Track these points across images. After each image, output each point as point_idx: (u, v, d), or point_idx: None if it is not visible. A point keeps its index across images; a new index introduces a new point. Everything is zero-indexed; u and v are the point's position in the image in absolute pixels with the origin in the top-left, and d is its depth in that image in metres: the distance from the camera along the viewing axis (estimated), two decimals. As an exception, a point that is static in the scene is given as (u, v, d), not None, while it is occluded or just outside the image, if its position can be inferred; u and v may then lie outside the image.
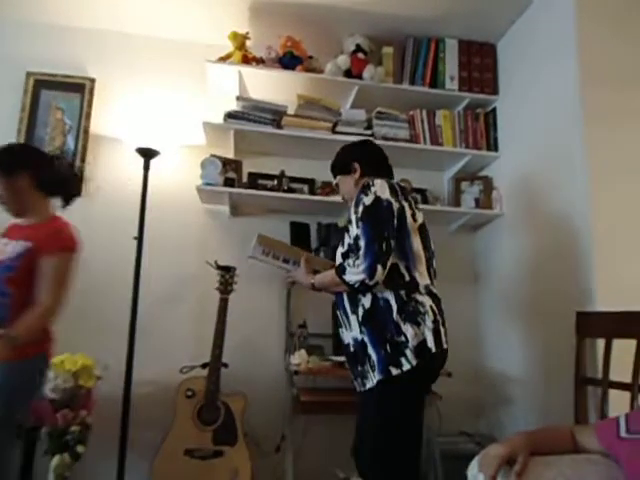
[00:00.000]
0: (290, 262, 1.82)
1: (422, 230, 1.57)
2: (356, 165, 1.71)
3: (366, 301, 1.49)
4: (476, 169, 2.73)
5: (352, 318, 1.53)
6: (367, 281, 1.42)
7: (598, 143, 1.97)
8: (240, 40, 2.46)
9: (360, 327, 1.50)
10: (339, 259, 1.60)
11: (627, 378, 1.53)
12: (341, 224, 2.49)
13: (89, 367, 1.95)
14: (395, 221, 1.48)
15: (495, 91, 2.65)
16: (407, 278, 1.47)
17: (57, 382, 1.88)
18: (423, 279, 1.51)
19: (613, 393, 1.60)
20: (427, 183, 2.71)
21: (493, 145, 2.62)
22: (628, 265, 1.87)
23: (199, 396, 2.07)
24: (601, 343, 1.71)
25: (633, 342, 1.54)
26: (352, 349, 1.52)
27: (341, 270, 1.49)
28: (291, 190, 2.46)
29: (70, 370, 1.91)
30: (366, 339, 1.47)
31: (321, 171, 2.60)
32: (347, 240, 1.57)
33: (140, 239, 2.24)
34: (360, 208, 1.50)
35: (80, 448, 1.85)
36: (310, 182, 2.58)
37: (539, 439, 1.11)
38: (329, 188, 2.52)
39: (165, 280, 2.45)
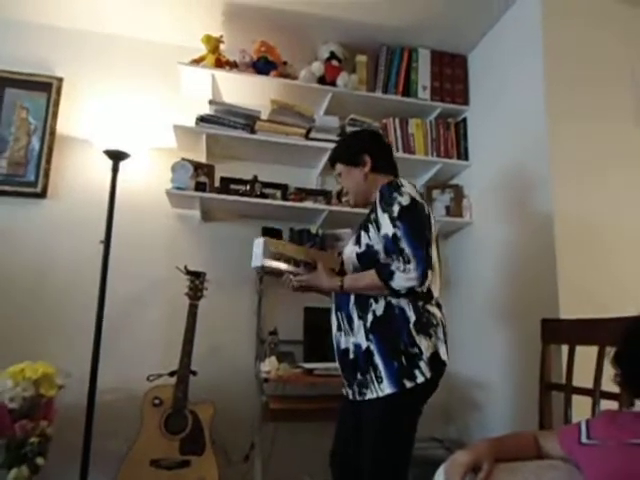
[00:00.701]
0: (301, 265, 1.58)
1: (437, 239, 1.57)
2: (367, 158, 1.59)
3: (378, 308, 1.43)
4: (447, 177, 2.78)
5: (358, 323, 1.45)
6: (417, 288, 1.36)
7: (564, 155, 2.03)
8: (214, 43, 2.44)
9: (367, 334, 1.42)
10: (354, 260, 1.50)
11: (590, 384, 1.57)
12: (314, 230, 2.49)
13: (50, 375, 1.89)
14: (431, 227, 1.46)
15: (466, 101, 2.70)
16: (425, 289, 1.40)
17: (16, 391, 1.81)
18: (436, 290, 1.49)
19: (576, 398, 1.64)
20: (399, 190, 2.73)
21: (464, 154, 2.67)
22: (590, 275, 1.93)
23: (166, 404, 2.02)
24: (565, 349, 1.75)
25: (595, 349, 1.58)
26: (352, 355, 1.46)
27: (387, 275, 1.37)
28: (264, 195, 2.45)
29: (30, 378, 1.84)
30: (373, 347, 1.41)
31: (294, 177, 2.61)
32: (365, 240, 1.47)
33: (107, 243, 2.18)
34: (396, 207, 1.41)
35: (40, 460, 1.78)
36: (283, 187, 2.57)
37: (503, 446, 1.12)
38: (302, 194, 2.52)
39: (133, 285, 2.39)
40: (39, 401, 1.85)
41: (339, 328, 1.52)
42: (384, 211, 1.43)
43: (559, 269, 1.92)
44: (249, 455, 2.24)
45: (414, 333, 1.40)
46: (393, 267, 1.37)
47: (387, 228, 1.41)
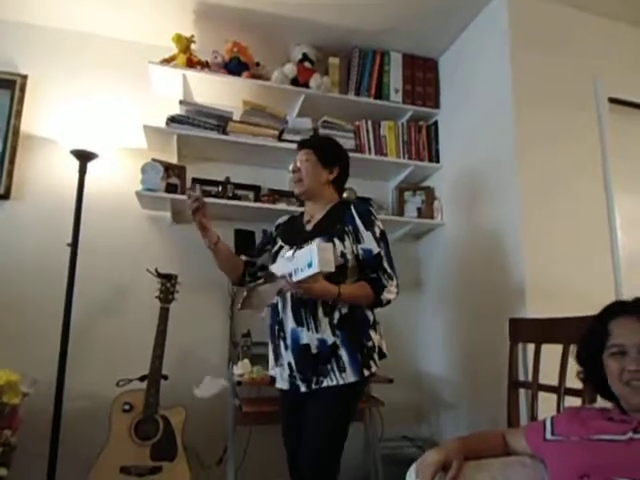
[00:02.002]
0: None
1: None
2: (337, 170, 1.72)
3: (344, 307, 1.55)
4: (419, 179, 2.82)
5: (324, 321, 1.53)
6: (392, 300, 1.59)
7: (529, 158, 2.10)
8: (184, 43, 2.41)
9: (334, 330, 1.52)
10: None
11: (555, 381, 1.62)
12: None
13: (14, 383, 1.82)
14: None
15: (437, 105, 2.75)
16: None
17: (-22, 400, 1.74)
18: None
19: (542, 396, 1.69)
20: (372, 192, 2.75)
21: (435, 156, 2.71)
22: (555, 275, 2.00)
23: (137, 410, 1.98)
24: (531, 348, 1.80)
25: (559, 347, 1.63)
26: (315, 350, 1.52)
27: (380, 288, 1.56)
28: (236, 197, 2.43)
29: (-7, 386, 1.78)
30: (339, 342, 1.52)
31: (267, 178, 2.60)
32: (340, 248, 1.55)
33: (75, 245, 2.13)
34: (377, 229, 1.61)
35: (2, 471, 1.71)
36: (256, 189, 2.56)
37: (473, 444, 1.15)
38: (275, 195, 2.51)
39: (101, 288, 2.34)
40: (2, 409, 1.79)
41: (300, 323, 1.55)
42: (367, 229, 1.60)
43: (525, 269, 1.98)
44: (222, 458, 2.23)
45: (370, 329, 1.59)
46: (384, 281, 1.57)
47: (371, 245, 1.58)
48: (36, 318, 2.22)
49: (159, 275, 2.14)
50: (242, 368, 2.08)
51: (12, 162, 2.30)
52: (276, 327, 1.64)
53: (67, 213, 2.17)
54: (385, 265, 1.58)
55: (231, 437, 2.12)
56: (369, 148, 2.62)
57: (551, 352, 1.67)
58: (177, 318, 2.16)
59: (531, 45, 2.21)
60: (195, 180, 2.47)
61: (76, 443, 2.07)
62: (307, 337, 1.53)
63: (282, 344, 1.61)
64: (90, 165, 2.23)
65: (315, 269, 1.37)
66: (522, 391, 1.83)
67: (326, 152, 1.72)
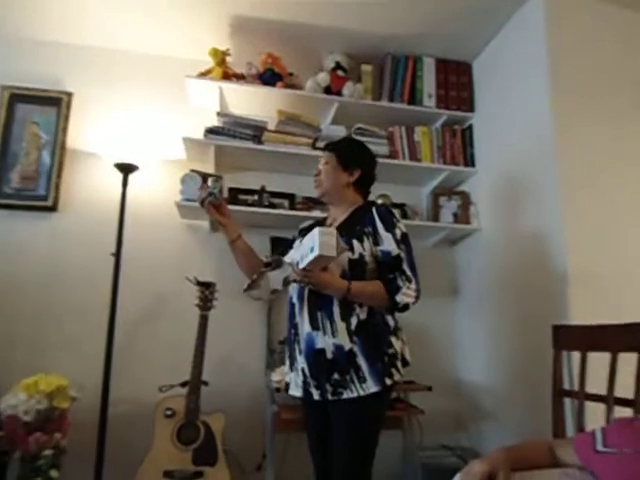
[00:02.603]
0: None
1: None
2: (358, 172, 1.69)
3: (362, 312, 1.51)
4: (454, 184, 2.79)
5: (340, 325, 1.49)
6: (411, 305, 1.52)
7: (572, 159, 2.04)
8: (220, 56, 2.47)
9: (351, 336, 1.48)
10: (344, 264, 1.51)
11: (603, 390, 1.56)
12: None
13: (64, 388, 1.90)
14: None
15: (471, 108, 2.72)
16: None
17: (30, 404, 1.83)
18: None
19: (590, 405, 1.63)
20: (406, 198, 2.74)
21: (470, 161, 2.68)
22: (601, 279, 1.93)
23: (179, 415, 2.02)
24: (577, 356, 1.74)
25: (607, 355, 1.57)
26: (330, 356, 1.48)
27: (394, 289, 1.50)
28: (272, 205, 2.46)
29: (44, 391, 1.86)
30: (357, 349, 1.47)
31: (301, 186, 2.62)
32: (359, 249, 1.53)
33: (118, 255, 2.20)
34: (398, 231, 1.57)
35: (54, 473, 1.79)
36: (290, 197, 2.59)
37: (519, 454, 1.12)
38: (309, 203, 2.53)
39: (143, 297, 2.41)
40: (53, 414, 1.87)
41: (315, 327, 1.51)
42: (387, 231, 1.56)
43: (569, 274, 1.92)
44: (261, 465, 2.24)
45: (391, 336, 1.54)
46: (399, 283, 1.50)
47: (391, 247, 1.54)
48: (82, 325, 2.31)
49: (198, 283, 2.18)
50: (279, 375, 2.09)
51: (59, 176, 2.41)
52: (292, 330, 1.62)
53: (110, 224, 2.25)
54: (404, 267, 1.52)
55: (270, 444, 2.14)
56: (403, 154, 2.61)
57: (598, 360, 1.61)
58: (216, 325, 2.19)
59: (569, 45, 2.16)
60: (232, 189, 2.52)
61: (121, 447, 2.13)
62: (323, 342, 1.49)
63: (297, 348, 1.58)
64: (131, 177, 2.31)
65: (316, 252, 1.35)
66: (567, 400, 1.77)
67: (346, 154, 1.70)
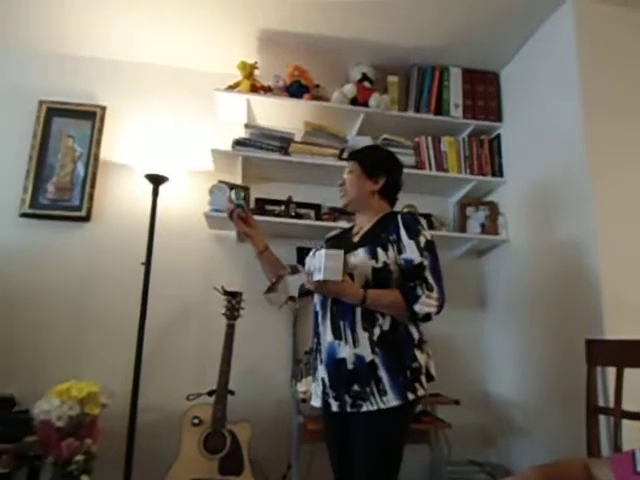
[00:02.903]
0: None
1: None
2: (383, 180, 1.66)
3: (385, 322, 1.47)
4: (481, 194, 2.75)
5: (363, 335, 1.46)
6: (433, 315, 1.46)
7: (603, 171, 1.99)
8: (249, 69, 2.52)
9: (373, 347, 1.45)
10: (368, 273, 1.49)
11: (640, 408, 1.51)
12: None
13: (95, 394, 1.94)
14: None
15: (499, 118, 2.69)
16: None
17: (63, 409, 1.87)
18: None
19: (627, 423, 1.58)
20: (432, 208, 2.72)
21: (498, 171, 2.65)
22: (636, 292, 1.87)
23: (205, 424, 2.04)
24: (612, 371, 1.69)
25: (645, 371, 1.52)
26: (350, 366, 1.45)
27: (413, 298, 1.44)
28: (298, 216, 2.48)
29: (76, 397, 1.90)
30: (378, 360, 1.44)
31: (327, 196, 2.63)
32: (383, 258, 1.50)
33: (148, 265, 2.25)
34: (422, 239, 1.52)
35: (85, 478, 1.82)
36: (316, 207, 2.60)
37: (553, 473, 1.09)
38: (335, 213, 2.54)
39: (172, 306, 2.45)
40: (84, 420, 1.90)
41: (337, 337, 1.50)
42: (410, 238, 1.51)
43: (603, 287, 1.86)
44: (286, 475, 2.24)
45: (416, 349, 1.49)
46: (419, 292, 1.44)
47: (413, 255, 1.49)
48: (113, 333, 2.36)
49: (225, 293, 2.21)
50: (305, 385, 2.09)
51: (93, 186, 2.49)
52: (315, 339, 1.61)
53: (141, 233, 2.30)
54: (426, 275, 1.46)
55: (295, 454, 2.13)
56: (429, 164, 2.60)
57: (635, 376, 1.56)
58: (242, 335, 2.21)
59: (601, 53, 2.12)
60: (259, 200, 2.55)
61: (149, 454, 2.16)
62: (344, 352, 1.47)
63: (318, 358, 1.57)
64: (161, 188, 2.36)
65: (320, 277, 1.38)
66: (602, 418, 1.72)
67: (370, 162, 1.68)
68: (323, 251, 1.41)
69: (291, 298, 1.73)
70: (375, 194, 1.66)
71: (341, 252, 1.42)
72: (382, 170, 1.67)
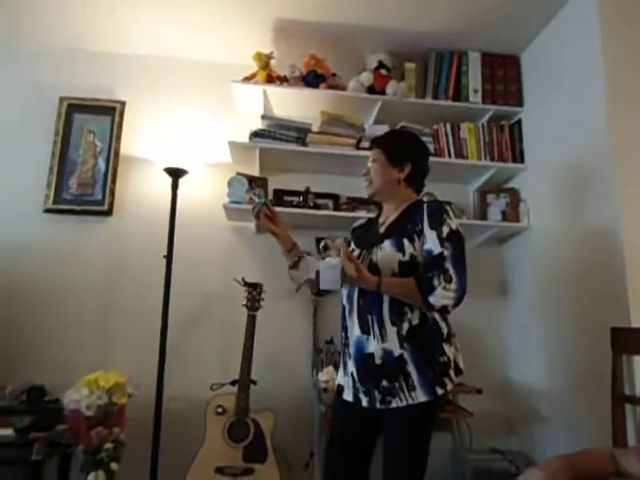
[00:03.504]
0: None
1: None
2: (409, 166, 1.59)
3: (414, 317, 1.44)
4: (502, 181, 2.71)
5: (391, 330, 1.44)
6: (451, 308, 1.42)
7: (630, 152, 1.94)
8: (264, 60, 2.51)
9: (402, 342, 1.42)
10: (394, 266, 1.46)
11: (668, 397, 1.49)
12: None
13: (122, 384, 1.99)
14: None
15: (520, 103, 2.63)
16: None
17: (92, 399, 1.92)
18: None
19: (653, 412, 1.56)
20: (452, 196, 2.68)
21: (519, 157, 2.60)
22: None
23: (229, 413, 2.08)
24: (638, 360, 1.66)
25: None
26: (379, 361, 1.44)
27: (428, 289, 1.39)
28: (316, 206, 2.48)
29: (104, 387, 1.95)
30: (407, 355, 1.42)
31: (346, 186, 2.63)
32: (410, 250, 1.46)
33: (169, 257, 2.28)
34: (445, 228, 1.45)
35: (114, 465, 1.88)
36: (335, 198, 2.60)
37: (579, 463, 1.08)
38: (354, 203, 2.53)
39: (194, 297, 2.48)
40: (112, 409, 1.96)
41: (365, 331, 1.48)
42: (432, 228, 1.46)
43: (628, 274, 1.83)
44: (309, 463, 2.27)
45: (444, 343, 1.46)
46: (435, 283, 1.39)
47: (433, 245, 1.44)
48: (138, 324, 2.41)
49: (246, 284, 2.23)
50: (327, 375, 2.11)
51: (114, 181, 2.52)
52: (343, 334, 1.59)
53: (162, 226, 2.33)
54: (447, 266, 1.40)
55: (317, 443, 2.16)
56: (449, 151, 2.56)
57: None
58: (264, 325, 2.24)
59: (625, 32, 2.05)
60: (277, 191, 2.56)
61: (175, 442, 2.21)
62: (372, 346, 1.46)
63: (347, 352, 1.55)
64: (181, 181, 2.39)
65: (320, 285, 1.38)
66: (628, 407, 1.70)
67: (395, 149, 1.61)
68: (321, 263, 1.40)
69: (308, 280, 1.72)
70: (401, 182, 1.59)
71: (337, 262, 1.37)
72: (407, 157, 1.60)
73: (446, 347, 1.46)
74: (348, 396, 1.54)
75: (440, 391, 1.41)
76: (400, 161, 1.59)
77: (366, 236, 1.66)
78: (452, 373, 1.45)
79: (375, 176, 1.61)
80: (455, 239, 1.46)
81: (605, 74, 2.00)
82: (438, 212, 1.49)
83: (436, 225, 1.46)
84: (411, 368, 1.41)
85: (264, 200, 1.70)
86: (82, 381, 1.97)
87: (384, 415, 1.45)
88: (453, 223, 1.48)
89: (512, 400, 2.55)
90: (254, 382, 2.14)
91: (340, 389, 1.59)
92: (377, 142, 1.66)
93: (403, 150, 1.62)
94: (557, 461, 1.06)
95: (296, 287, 1.77)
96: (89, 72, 2.66)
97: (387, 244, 1.50)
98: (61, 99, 2.58)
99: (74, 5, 2.34)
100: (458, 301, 1.41)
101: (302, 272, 1.72)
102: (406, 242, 1.48)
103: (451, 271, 1.40)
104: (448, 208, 1.52)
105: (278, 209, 2.40)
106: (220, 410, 2.08)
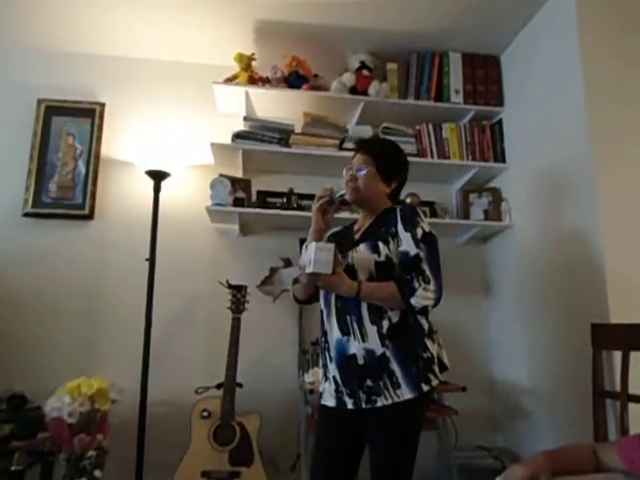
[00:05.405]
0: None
1: None
2: (396, 183, 1.62)
3: (394, 314, 1.45)
4: (484, 181, 2.74)
5: (371, 329, 1.44)
6: (430, 308, 1.44)
7: (606, 153, 1.97)
8: (246, 61, 2.50)
9: (383, 340, 1.42)
10: (371, 267, 1.48)
11: (646, 391, 1.52)
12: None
13: (105, 390, 1.96)
14: None
15: (500, 103, 2.66)
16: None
17: (74, 406, 1.89)
18: None
19: (633, 407, 1.58)
20: (435, 196, 2.71)
21: (500, 156, 2.63)
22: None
23: (215, 416, 2.06)
24: (618, 355, 1.69)
25: (651, 354, 1.52)
26: (361, 361, 1.43)
27: (409, 291, 1.41)
28: (300, 207, 2.47)
29: (86, 394, 1.92)
30: (390, 353, 1.42)
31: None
32: (385, 251, 1.48)
33: (152, 261, 2.26)
34: (419, 230, 1.48)
35: (97, 473, 1.85)
36: (319, 198, 2.59)
37: (561, 459, 1.10)
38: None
39: (177, 300, 2.46)
40: (95, 415, 1.93)
41: (345, 332, 1.48)
42: (406, 231, 1.49)
43: (607, 271, 1.86)
44: (295, 465, 2.26)
45: (427, 339, 1.47)
46: (415, 284, 1.41)
47: (409, 247, 1.46)
48: (120, 329, 2.38)
49: (230, 286, 2.22)
50: (313, 376, 2.10)
51: (95, 184, 2.49)
52: (322, 338, 1.59)
53: (144, 230, 2.31)
54: (424, 267, 1.43)
55: (304, 445, 2.15)
56: (431, 152, 2.58)
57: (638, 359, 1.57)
58: (249, 327, 2.23)
59: (603, 33, 2.09)
60: (260, 192, 2.55)
61: (159, 447, 2.19)
62: (354, 347, 1.45)
63: (328, 356, 1.54)
64: (163, 184, 2.36)
65: (310, 269, 1.36)
66: (609, 402, 1.73)
67: (387, 164, 1.61)
68: (314, 244, 1.40)
69: (284, 290, 1.71)
70: (386, 195, 1.63)
71: (332, 245, 1.39)
72: (397, 175, 1.63)
73: (429, 343, 1.47)
74: (330, 401, 1.52)
75: (425, 387, 1.41)
76: (390, 177, 1.61)
77: (341, 242, 1.64)
78: (436, 369, 1.46)
79: (364, 187, 1.58)
80: (429, 240, 1.49)
81: (583, 73, 2.03)
82: (411, 215, 1.52)
83: (410, 227, 1.49)
84: (394, 366, 1.41)
85: (340, 196, 1.60)
86: (64, 388, 1.94)
87: (370, 415, 1.45)
88: (426, 225, 1.52)
89: (496, 397, 2.59)
90: (240, 385, 2.13)
91: (320, 395, 1.59)
92: (369, 151, 1.62)
93: (395, 167, 1.63)
94: (539, 457, 1.07)
95: (273, 299, 1.75)
96: (67, 73, 2.62)
97: (362, 247, 1.52)
98: (39, 101, 2.53)
99: (52, 5, 2.30)
100: (437, 302, 1.44)
101: (276, 285, 1.71)
102: (381, 244, 1.49)
103: (428, 272, 1.43)
104: (420, 211, 1.56)
105: (262, 211, 2.43)
106: (205, 414, 2.06)
